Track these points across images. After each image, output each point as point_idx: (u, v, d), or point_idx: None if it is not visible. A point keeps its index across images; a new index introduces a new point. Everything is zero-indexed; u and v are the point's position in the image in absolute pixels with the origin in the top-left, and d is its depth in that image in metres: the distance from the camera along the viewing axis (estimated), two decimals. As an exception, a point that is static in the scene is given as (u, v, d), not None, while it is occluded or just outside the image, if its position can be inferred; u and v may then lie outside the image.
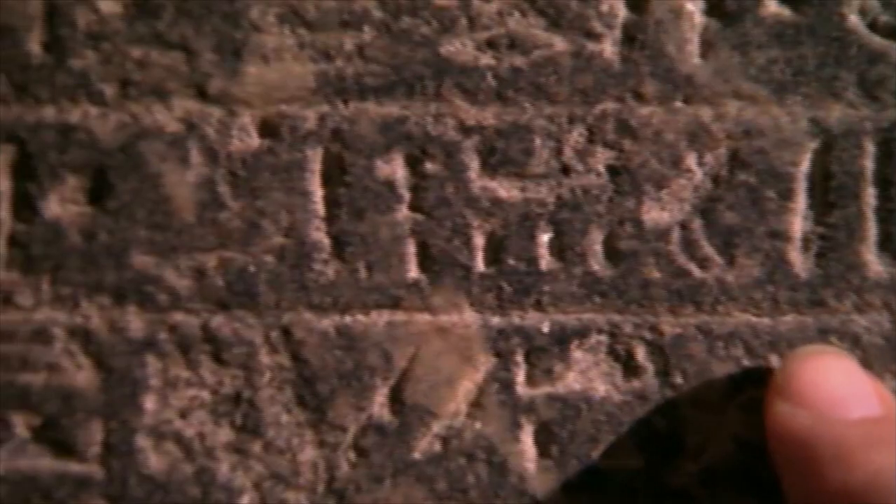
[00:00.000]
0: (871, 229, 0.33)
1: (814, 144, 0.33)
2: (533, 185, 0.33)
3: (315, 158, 0.33)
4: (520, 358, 0.33)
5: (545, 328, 0.33)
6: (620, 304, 0.33)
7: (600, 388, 0.33)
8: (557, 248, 0.33)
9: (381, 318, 0.33)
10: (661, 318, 0.33)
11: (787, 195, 0.33)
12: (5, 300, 0.33)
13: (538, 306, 0.33)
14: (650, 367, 0.33)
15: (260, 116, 0.33)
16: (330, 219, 0.33)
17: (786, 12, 0.33)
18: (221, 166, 0.33)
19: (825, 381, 0.30)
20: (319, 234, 0.33)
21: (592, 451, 0.33)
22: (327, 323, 0.33)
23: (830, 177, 0.33)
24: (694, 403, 0.33)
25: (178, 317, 0.33)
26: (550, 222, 0.33)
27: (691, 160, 0.33)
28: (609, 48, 0.33)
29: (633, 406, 0.33)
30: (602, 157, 0.33)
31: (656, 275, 0.33)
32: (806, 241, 0.33)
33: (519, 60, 0.33)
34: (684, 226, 0.33)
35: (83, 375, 0.33)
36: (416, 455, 0.33)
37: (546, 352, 0.33)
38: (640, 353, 0.33)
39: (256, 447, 0.33)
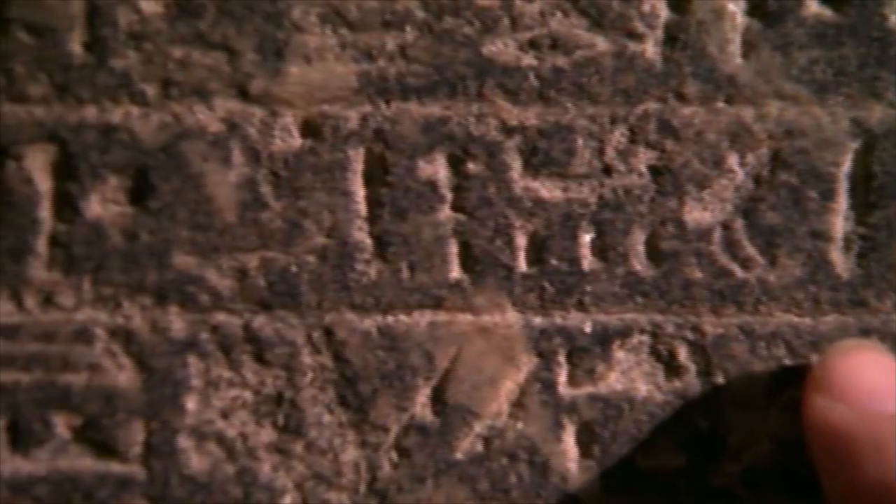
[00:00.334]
0: (913, 229, 0.33)
1: (855, 144, 0.33)
2: (575, 185, 0.33)
3: (357, 158, 0.33)
4: (562, 358, 0.33)
5: (587, 328, 0.33)
6: (662, 304, 0.33)
7: (642, 388, 0.33)
8: (599, 249, 0.33)
9: (423, 318, 0.33)
10: (703, 319, 0.33)
11: (828, 195, 0.33)
12: (47, 300, 0.33)
13: (580, 306, 0.33)
14: (692, 367, 0.33)
15: (302, 116, 0.33)
16: (372, 219, 0.33)
17: (827, 13, 0.33)
18: (263, 166, 0.33)
19: (863, 376, 0.30)
20: (361, 235, 0.33)
21: (634, 451, 0.33)
22: (369, 323, 0.33)
23: (872, 177, 0.33)
24: (736, 403, 0.33)
25: (220, 317, 0.33)
26: (592, 222, 0.33)
27: (733, 160, 0.33)
28: (651, 48, 0.33)
29: (675, 406, 0.33)
30: (644, 158, 0.33)
31: (698, 275, 0.33)
32: (847, 242, 0.33)
33: (561, 60, 0.33)
34: (726, 226, 0.33)
35: (125, 376, 0.33)
36: (458, 455, 0.33)
37: (588, 352, 0.33)
38: (682, 354, 0.33)
39: (298, 447, 0.33)
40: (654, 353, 0.33)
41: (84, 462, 0.33)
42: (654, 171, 0.33)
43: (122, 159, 0.33)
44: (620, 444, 0.33)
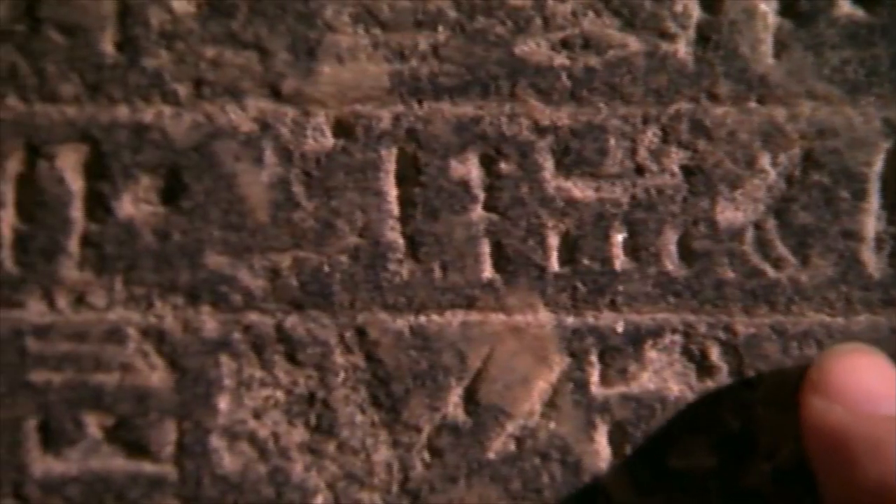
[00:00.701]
0: (945, 229, 0.33)
1: (887, 144, 0.33)
2: (607, 185, 0.33)
3: (389, 158, 0.33)
4: (594, 358, 0.33)
5: (619, 328, 0.33)
6: (694, 304, 0.33)
7: (674, 388, 0.33)
8: (631, 248, 0.33)
9: (455, 318, 0.33)
10: (735, 318, 0.33)
11: (860, 195, 0.33)
12: (79, 300, 0.33)
13: (612, 306, 0.33)
14: (724, 367, 0.33)
15: (334, 116, 0.33)
16: (404, 219, 0.33)
17: (859, 13, 0.33)
18: (296, 166, 0.33)
19: (859, 378, 0.31)
20: (394, 234, 0.33)
21: (666, 450, 0.33)
22: (402, 323, 0.33)
23: (903, 177, 0.33)
24: (767, 403, 0.33)
25: (253, 317, 0.33)
26: (625, 222, 0.33)
27: (765, 160, 0.33)
28: (683, 48, 0.33)
29: (707, 406, 0.33)
30: (676, 158, 0.33)
31: (730, 275, 0.33)
32: (879, 241, 0.33)
33: (593, 60, 0.33)
34: (758, 226, 0.33)
35: (157, 375, 0.33)
36: (491, 455, 0.33)
37: (620, 352, 0.33)
38: (714, 353, 0.33)
39: (330, 447, 0.33)
40: (686, 352, 0.33)
41: (116, 462, 0.33)
42: (687, 170, 0.33)
43: (154, 159, 0.33)
44: (652, 444, 0.33)
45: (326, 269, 0.33)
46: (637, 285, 0.33)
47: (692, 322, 0.33)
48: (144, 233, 0.33)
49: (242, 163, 0.33)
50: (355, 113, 0.33)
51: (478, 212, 0.33)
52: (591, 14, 0.33)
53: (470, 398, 0.33)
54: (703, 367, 0.33)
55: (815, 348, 0.33)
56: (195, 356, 0.33)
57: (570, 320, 0.33)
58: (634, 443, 0.33)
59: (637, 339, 0.33)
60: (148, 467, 0.33)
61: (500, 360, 0.33)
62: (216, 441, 0.33)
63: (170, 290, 0.33)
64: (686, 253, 0.33)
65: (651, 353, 0.33)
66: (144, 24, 0.33)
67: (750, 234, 0.33)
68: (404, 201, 0.33)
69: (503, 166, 0.33)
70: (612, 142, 0.33)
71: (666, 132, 0.33)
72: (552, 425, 0.33)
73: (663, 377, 0.33)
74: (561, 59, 0.33)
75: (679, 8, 0.33)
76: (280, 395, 0.33)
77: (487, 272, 0.33)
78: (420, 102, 0.33)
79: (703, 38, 0.33)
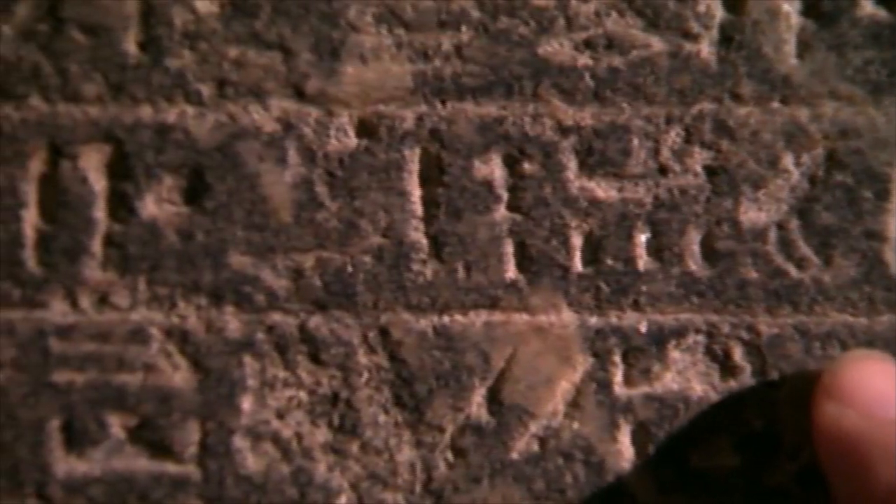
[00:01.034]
0: (968, 229, 0.33)
1: (910, 145, 0.33)
2: (630, 185, 0.33)
3: (413, 158, 0.33)
4: (617, 358, 0.33)
5: (643, 328, 0.33)
6: (718, 304, 0.33)
7: (697, 388, 0.33)
8: (655, 249, 0.33)
9: (478, 318, 0.33)
10: (759, 318, 0.33)
11: (883, 195, 0.33)
12: (102, 300, 0.33)
13: (636, 306, 0.33)
14: (747, 367, 0.33)
15: (358, 116, 0.33)
16: (428, 219, 0.33)
17: (882, 13, 0.33)
18: (319, 166, 0.33)
19: (872, 383, 0.31)
20: (417, 235, 0.33)
21: (689, 450, 0.33)
22: (425, 323, 0.33)
23: (926, 177, 0.33)
24: (791, 403, 0.33)
25: (276, 317, 0.33)
26: (648, 222, 0.33)
27: (788, 160, 0.33)
28: (706, 48, 0.33)
29: (730, 406, 0.33)
30: (699, 158, 0.33)
31: (753, 275, 0.33)
32: (902, 242, 0.33)
33: (616, 61, 0.33)
34: (781, 226, 0.33)
35: (180, 376, 0.33)
36: (514, 455, 0.33)
37: (644, 352, 0.33)
38: (738, 353, 0.33)
39: (354, 447, 0.33)
40: (710, 352, 0.33)
41: (139, 462, 0.33)
42: (710, 171, 0.33)
43: (177, 159, 0.33)
44: (676, 444, 0.33)
45: (350, 269, 0.33)
46: (660, 285, 0.33)
47: (715, 322, 0.33)
48: (167, 233, 0.33)
49: (266, 163, 0.33)
50: (378, 113, 0.33)
51: (501, 212, 0.33)
52: (614, 14, 0.33)
53: (493, 398, 0.33)
54: (727, 368, 0.33)
55: (838, 348, 0.33)
56: (218, 356, 0.33)
57: (594, 320, 0.33)
58: (658, 443, 0.33)
59: (660, 339, 0.33)
60: (171, 468, 0.33)
61: (524, 361, 0.33)
62: (239, 441, 0.33)
63: (193, 291, 0.33)
64: (709, 253, 0.33)
65: (674, 354, 0.33)
66: (168, 24, 0.33)
67: (773, 235, 0.33)
68: (427, 201, 0.33)
69: (526, 166, 0.33)
70: (636, 142, 0.33)
71: (689, 132, 0.33)
72: (575, 425, 0.33)
73: (686, 377, 0.33)
74: (584, 60, 0.33)
75: (702, 8, 0.33)
76: (303, 395, 0.33)
77: (511, 272, 0.33)
78: (443, 102, 0.33)
79: (727, 38, 0.33)
